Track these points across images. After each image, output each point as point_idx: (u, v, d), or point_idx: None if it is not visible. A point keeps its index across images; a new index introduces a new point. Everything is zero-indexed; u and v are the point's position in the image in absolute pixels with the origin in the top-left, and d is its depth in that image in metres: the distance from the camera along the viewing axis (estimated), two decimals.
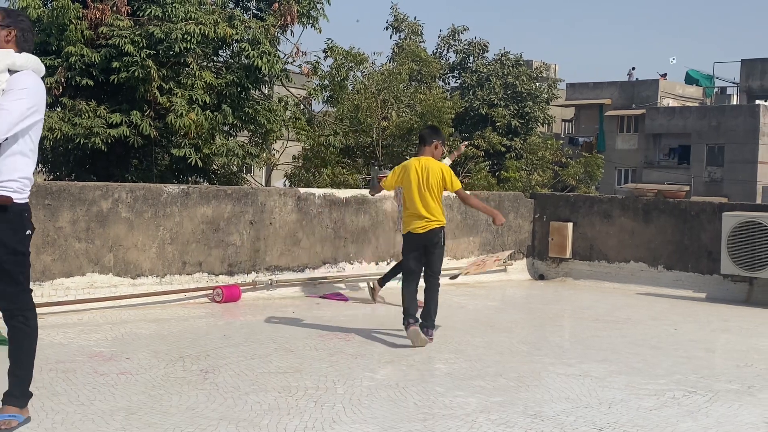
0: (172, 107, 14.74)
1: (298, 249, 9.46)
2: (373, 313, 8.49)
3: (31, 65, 4.25)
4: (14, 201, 4.12)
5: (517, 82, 37.82)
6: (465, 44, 39.15)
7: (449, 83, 39.50)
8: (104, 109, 14.89)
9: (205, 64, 16.09)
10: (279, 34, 16.76)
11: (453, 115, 27.04)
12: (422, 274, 7.02)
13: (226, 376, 5.59)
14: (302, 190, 9.80)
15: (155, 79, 14.68)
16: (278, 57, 16.18)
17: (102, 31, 14.82)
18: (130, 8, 15.48)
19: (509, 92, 37.71)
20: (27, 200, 4.23)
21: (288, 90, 19.20)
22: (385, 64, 30.27)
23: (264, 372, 5.74)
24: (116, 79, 14.61)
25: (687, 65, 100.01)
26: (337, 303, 8.98)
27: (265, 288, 9.07)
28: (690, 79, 53.69)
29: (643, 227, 11.10)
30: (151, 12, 14.96)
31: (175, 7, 14.84)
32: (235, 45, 15.98)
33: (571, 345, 7.48)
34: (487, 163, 29.85)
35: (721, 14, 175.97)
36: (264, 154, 19.54)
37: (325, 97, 20.62)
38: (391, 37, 35.91)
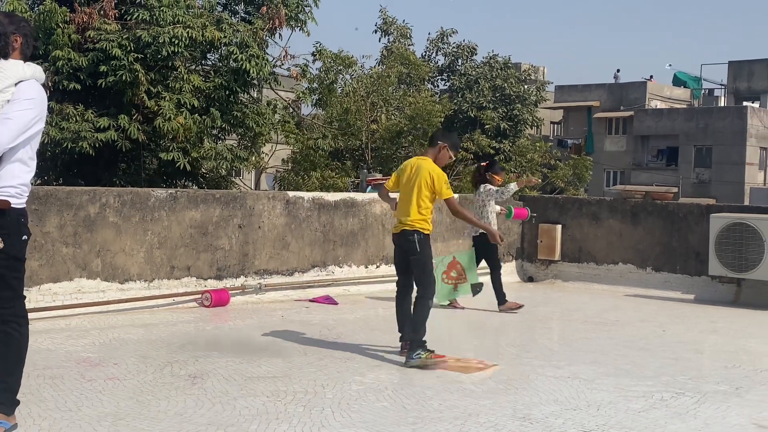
0: (160, 111, 14.69)
1: (287, 252, 9.45)
2: (363, 316, 8.48)
3: (36, 75, 4.25)
4: (12, 206, 4.12)
5: (505, 85, 37.90)
6: (454, 47, 39.22)
7: (438, 86, 39.57)
8: (92, 113, 14.83)
9: (193, 67, 16.05)
10: (267, 38, 16.74)
11: (442, 118, 27.08)
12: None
13: (215, 381, 5.57)
14: (291, 193, 9.79)
15: (143, 83, 14.63)
16: (267, 60, 16.15)
17: (89, 35, 14.76)
18: (118, 12, 15.42)
19: (498, 95, 37.78)
20: (24, 206, 4.23)
21: (277, 93, 19.18)
22: (374, 67, 30.30)
23: (253, 376, 5.72)
24: (104, 83, 14.56)
25: (674, 67, 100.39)
26: (326, 306, 8.96)
27: (254, 292, 9.05)
28: (677, 81, 53.95)
29: (631, 229, 11.13)
30: (138, 16, 14.91)
31: (162, 10, 14.80)
32: (224, 48, 15.94)
33: (560, 347, 7.49)
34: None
35: (708, 16, 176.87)
36: (253, 158, 19.50)
37: (314, 101, 20.61)
38: (380, 40, 36.02)
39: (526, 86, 39.14)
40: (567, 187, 33.21)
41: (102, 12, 15.20)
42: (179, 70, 15.09)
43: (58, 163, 16.11)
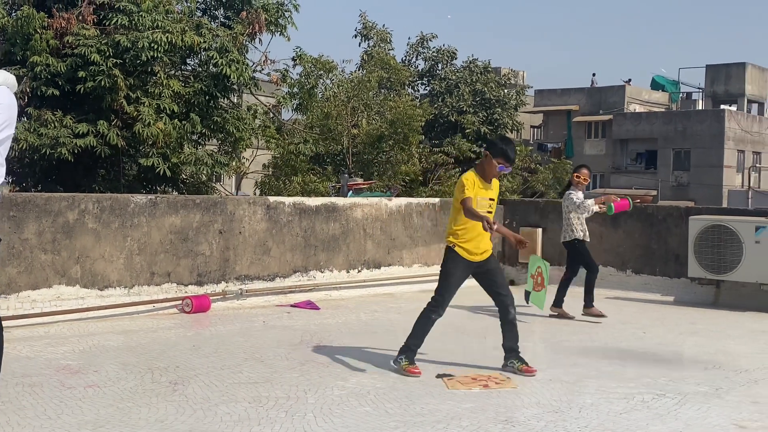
0: (140, 116, 14.63)
1: (268, 258, 9.42)
2: (345, 321, 8.46)
3: (8, 82, 4.21)
4: None
5: (485, 89, 38.05)
6: (434, 51, 39.33)
7: (418, 90, 39.68)
8: (70, 119, 14.75)
9: (172, 72, 16.01)
10: (247, 43, 16.72)
11: (423, 123, 27.13)
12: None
13: (196, 387, 5.54)
14: (272, 198, 9.76)
15: (122, 89, 14.57)
16: (247, 65, 16.13)
17: (68, 40, 14.68)
18: (96, 17, 15.36)
19: (478, 99, 37.92)
20: None
21: (257, 98, 19.15)
22: (355, 71, 30.33)
23: (234, 382, 5.70)
24: (82, 89, 14.48)
25: (652, 71, 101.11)
26: (308, 312, 8.94)
27: (235, 298, 9.01)
28: (656, 85, 54.40)
29: (611, 232, 11.19)
30: (117, 21, 14.85)
31: (141, 15, 14.75)
32: (203, 53, 15.91)
33: (541, 349, 7.51)
34: (457, 169, 29.98)
35: (685, 20, 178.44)
36: (233, 163, 19.45)
37: (295, 105, 20.60)
38: (360, 45, 36.03)
39: (505, 90, 39.33)
40: (547, 191, 33.38)
41: (80, 17, 15.13)
42: (159, 75, 15.04)
43: (37, 169, 16.00)
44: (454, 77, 38.29)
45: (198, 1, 17.39)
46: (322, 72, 24.40)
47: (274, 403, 5.21)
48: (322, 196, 20.15)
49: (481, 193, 6.16)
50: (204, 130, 16.20)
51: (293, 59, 21.28)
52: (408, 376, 6.02)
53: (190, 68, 17.06)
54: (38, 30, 14.48)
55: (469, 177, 6.18)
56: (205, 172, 16.68)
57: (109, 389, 5.43)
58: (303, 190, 22.36)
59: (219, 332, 7.65)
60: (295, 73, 20.94)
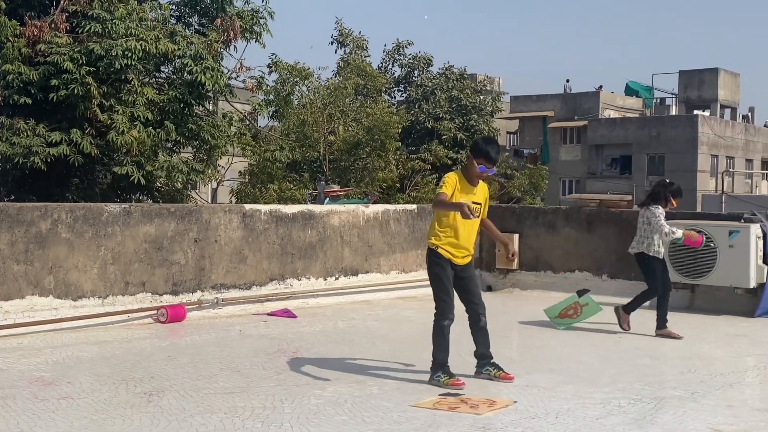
0: (114, 124, 14.52)
1: (244, 266, 9.36)
2: (322, 329, 8.43)
3: None
4: None
5: (461, 96, 38.19)
6: (410, 58, 39.42)
7: (395, 97, 39.73)
8: (43, 127, 14.61)
9: (146, 80, 15.90)
10: (222, 50, 16.65)
11: (400, 129, 27.17)
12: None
13: (171, 398, 5.49)
14: (248, 206, 9.71)
15: (95, 97, 14.45)
16: (222, 72, 16.06)
17: (40, 48, 14.55)
18: (69, 25, 15.23)
19: (454, 105, 38.05)
20: None
21: (232, 105, 19.07)
22: (331, 78, 30.32)
23: (210, 393, 5.65)
24: (55, 97, 14.35)
25: (626, 77, 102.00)
26: (285, 320, 8.89)
27: (211, 307, 8.94)
28: (630, 91, 54.88)
29: (587, 237, 11.25)
30: (90, 28, 14.74)
31: (115, 23, 14.65)
32: (178, 61, 15.82)
33: (518, 356, 7.52)
34: (434, 176, 30.02)
35: (658, 26, 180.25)
36: (209, 171, 19.34)
37: (271, 112, 20.53)
38: (336, 52, 36.02)
39: (481, 97, 39.49)
40: (524, 197, 33.51)
41: (53, 25, 15.00)
42: (132, 83, 14.93)
43: (9, 179, 15.83)
44: (430, 84, 38.39)
45: (172, 9, 17.30)
46: (298, 79, 24.36)
47: (251, 413, 5.17)
48: (299, 203, 20.10)
49: (464, 196, 6.02)
50: (179, 138, 16.09)
51: (269, 66, 21.25)
52: (453, 389, 5.79)
53: (164, 76, 16.95)
54: (10, 38, 14.34)
55: (452, 176, 6.08)
56: (180, 179, 16.57)
57: (83, 401, 5.36)
58: (279, 198, 22.27)
59: (194, 342, 7.58)
60: (271, 80, 20.93)
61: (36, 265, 7.75)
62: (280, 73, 22.18)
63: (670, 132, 45.96)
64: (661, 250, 8.44)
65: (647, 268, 8.46)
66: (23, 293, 7.66)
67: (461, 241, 6.11)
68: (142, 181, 15.26)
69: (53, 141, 14.42)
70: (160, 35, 15.07)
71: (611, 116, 49.89)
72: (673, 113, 51.34)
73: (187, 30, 16.89)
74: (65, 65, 14.14)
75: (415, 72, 39.44)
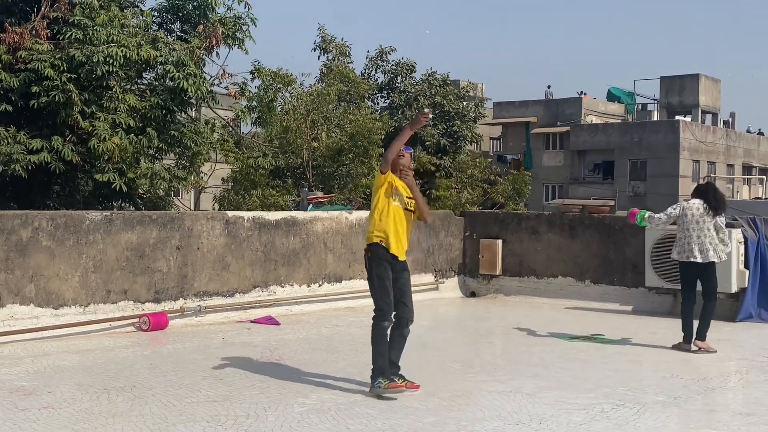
0: (95, 131, 14.43)
1: (227, 273, 9.32)
2: (306, 336, 8.40)
3: None
4: None
5: (445, 102, 38.27)
6: (393, 65, 39.46)
7: (378, 103, 39.74)
8: (24, 134, 14.50)
9: (128, 87, 15.82)
10: (204, 56, 16.59)
11: (383, 135, 27.17)
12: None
13: (153, 407, 5.44)
14: (230, 213, 9.67)
15: (77, 103, 14.36)
16: (204, 79, 16.01)
17: (21, 55, 14.44)
18: (50, 31, 15.14)
19: (437, 111, 38.11)
20: None
21: (215, 112, 19.01)
22: (314, 85, 30.28)
23: (192, 401, 5.61)
24: (36, 104, 14.26)
25: (608, 83, 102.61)
26: (268, 327, 8.86)
27: (193, 314, 8.89)
28: (612, 96, 55.18)
29: (569, 242, 11.28)
30: (71, 35, 14.65)
31: (96, 30, 14.57)
32: (160, 67, 15.75)
33: (502, 362, 7.53)
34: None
35: (639, 32, 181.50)
36: (192, 177, 19.26)
37: (254, 119, 20.48)
38: (319, 58, 36.02)
39: (465, 103, 39.59)
40: (507, 202, 33.58)
41: (34, 32, 14.91)
42: (114, 89, 14.86)
43: None
44: (413, 90, 38.45)
45: (154, 15, 17.23)
46: (281, 85, 24.33)
47: (233, 421, 5.14)
48: (282, 210, 20.06)
49: (401, 187, 6.10)
50: (161, 145, 16.02)
51: (251, 72, 21.22)
52: (393, 393, 5.77)
53: (146, 82, 16.88)
54: None
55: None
56: (162, 186, 16.49)
57: (64, 410, 5.31)
58: (262, 204, 22.21)
59: (177, 350, 7.54)
60: (254, 86, 20.87)
61: (17, 273, 7.68)
62: (263, 80, 22.14)
63: (652, 137, 46.25)
64: (716, 255, 7.99)
65: (705, 273, 7.97)
66: (3, 302, 7.58)
67: (401, 234, 6.09)
68: (124, 189, 15.18)
69: (34, 148, 14.32)
70: (142, 42, 15.01)
71: (593, 122, 50.14)
72: (655, 119, 51.64)
73: (169, 36, 16.81)
74: (46, 72, 14.05)
75: (398, 78, 39.50)
